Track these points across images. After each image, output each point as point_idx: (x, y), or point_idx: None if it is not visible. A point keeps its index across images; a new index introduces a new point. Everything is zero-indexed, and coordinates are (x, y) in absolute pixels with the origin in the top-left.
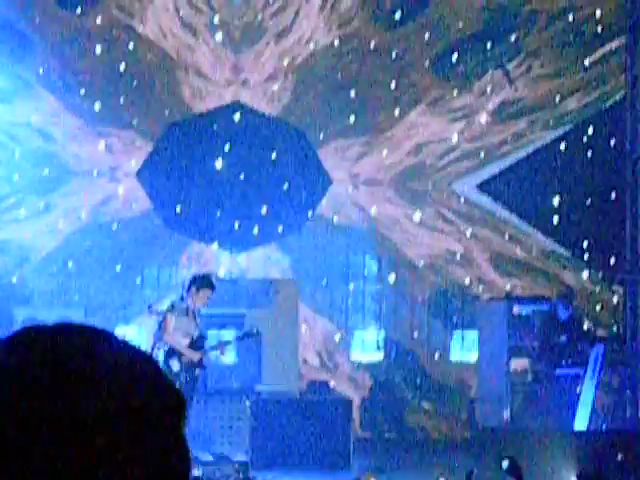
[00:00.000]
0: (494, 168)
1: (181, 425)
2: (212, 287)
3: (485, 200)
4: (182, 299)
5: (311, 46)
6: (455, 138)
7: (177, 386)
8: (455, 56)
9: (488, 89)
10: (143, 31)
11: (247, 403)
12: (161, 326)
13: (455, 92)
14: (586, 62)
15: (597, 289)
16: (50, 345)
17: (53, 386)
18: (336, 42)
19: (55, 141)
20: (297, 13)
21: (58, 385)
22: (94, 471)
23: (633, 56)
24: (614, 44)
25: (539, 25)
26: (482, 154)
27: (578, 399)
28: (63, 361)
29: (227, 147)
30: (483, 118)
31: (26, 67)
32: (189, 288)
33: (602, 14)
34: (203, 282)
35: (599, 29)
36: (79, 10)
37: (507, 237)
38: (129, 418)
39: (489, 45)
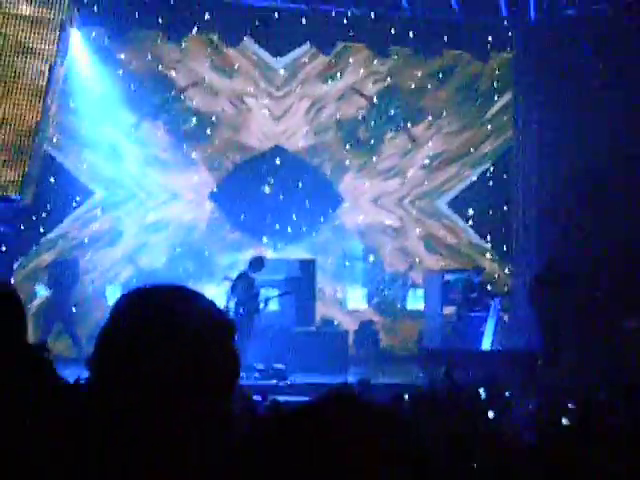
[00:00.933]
0: (445, 198)
1: (232, 339)
2: (263, 264)
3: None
4: (246, 272)
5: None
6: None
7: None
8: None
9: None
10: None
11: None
12: (233, 287)
13: (374, 158)
14: (488, 114)
15: (496, 265)
16: (156, 301)
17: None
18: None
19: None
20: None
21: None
22: (187, 366)
23: (518, 109)
24: (505, 98)
25: (437, 88)
26: (431, 192)
27: (484, 331)
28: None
29: (271, 178)
30: (412, 172)
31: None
32: (250, 264)
33: (492, 71)
34: (257, 260)
35: (494, 84)
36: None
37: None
38: (207, 335)
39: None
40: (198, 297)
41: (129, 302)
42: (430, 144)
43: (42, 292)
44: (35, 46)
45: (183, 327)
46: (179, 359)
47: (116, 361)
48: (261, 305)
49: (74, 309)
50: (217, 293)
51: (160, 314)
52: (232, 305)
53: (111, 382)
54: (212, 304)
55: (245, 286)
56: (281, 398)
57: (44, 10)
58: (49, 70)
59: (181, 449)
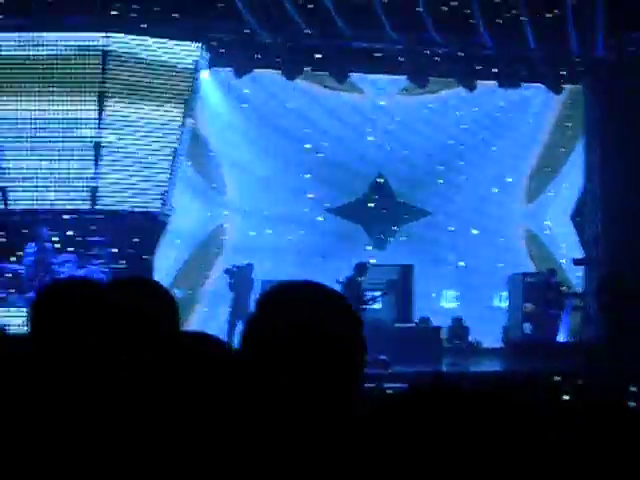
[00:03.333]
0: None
1: (360, 330)
2: (366, 268)
3: None
4: (353, 275)
5: None
6: None
7: None
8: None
9: None
10: None
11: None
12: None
13: None
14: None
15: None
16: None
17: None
18: None
19: None
20: None
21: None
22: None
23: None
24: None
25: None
26: None
27: (560, 326)
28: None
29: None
30: None
31: None
32: (355, 268)
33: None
34: (362, 265)
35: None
36: None
37: None
38: (340, 324)
39: None
40: (331, 293)
41: (272, 297)
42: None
43: (179, 295)
44: (173, 85)
45: (320, 318)
46: (317, 346)
47: (264, 347)
48: (367, 304)
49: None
50: None
51: (300, 307)
52: None
53: (260, 365)
54: (343, 299)
55: (349, 288)
56: (384, 385)
57: (180, 54)
58: (185, 104)
59: (320, 428)
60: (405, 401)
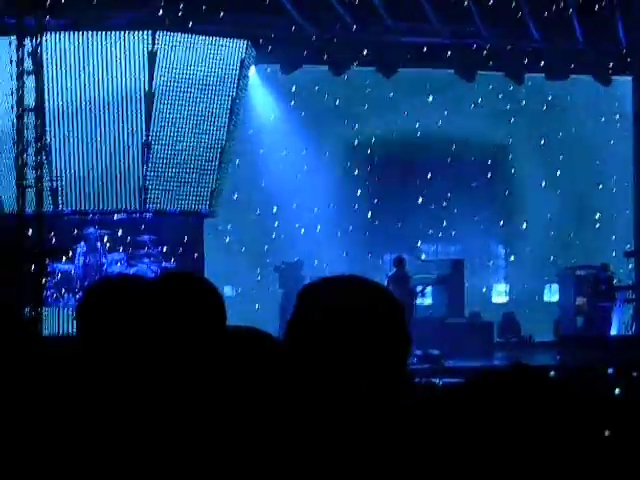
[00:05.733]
0: None
1: (403, 319)
2: (404, 260)
3: None
4: (395, 271)
5: None
6: None
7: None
8: None
9: None
10: None
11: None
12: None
13: None
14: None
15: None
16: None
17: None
18: None
19: None
20: None
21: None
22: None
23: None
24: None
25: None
26: None
27: (612, 319)
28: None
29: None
30: None
31: None
32: (394, 263)
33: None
34: (398, 259)
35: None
36: None
37: None
38: (382, 316)
39: None
40: (372, 284)
41: (314, 290)
42: None
43: (228, 293)
44: (220, 83)
45: (361, 310)
46: (360, 337)
47: (307, 337)
48: (417, 299)
49: None
50: None
51: (343, 299)
52: None
53: (304, 358)
54: (385, 290)
55: (397, 283)
56: (436, 380)
57: (227, 52)
58: (232, 102)
59: (361, 415)
60: (464, 392)
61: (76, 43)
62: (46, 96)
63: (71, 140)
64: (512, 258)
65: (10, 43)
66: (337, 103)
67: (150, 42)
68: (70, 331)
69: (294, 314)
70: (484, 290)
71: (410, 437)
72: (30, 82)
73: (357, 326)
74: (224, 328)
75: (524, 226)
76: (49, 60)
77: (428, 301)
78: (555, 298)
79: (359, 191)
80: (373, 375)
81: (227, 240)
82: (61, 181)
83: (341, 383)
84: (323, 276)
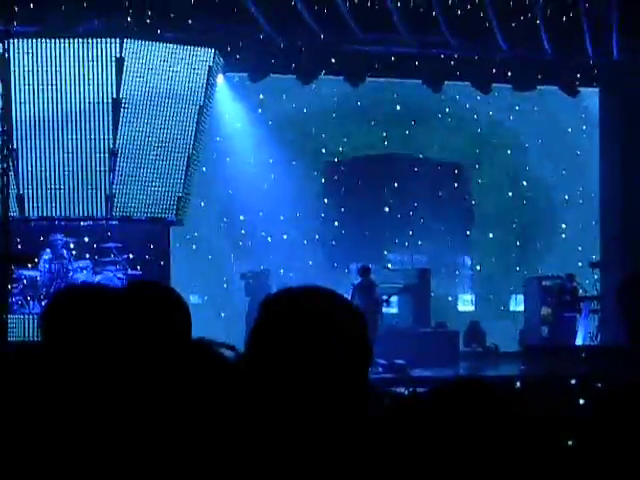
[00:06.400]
0: None
1: (365, 329)
2: (369, 269)
3: None
4: (361, 281)
5: None
6: None
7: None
8: None
9: None
10: None
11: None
12: (352, 296)
13: None
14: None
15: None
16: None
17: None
18: None
19: None
20: None
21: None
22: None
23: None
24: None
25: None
26: None
27: (577, 329)
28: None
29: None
30: None
31: None
32: (359, 272)
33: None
34: (364, 268)
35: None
36: None
37: None
38: (345, 326)
39: None
40: (333, 294)
41: (276, 300)
42: None
43: (195, 300)
44: (187, 91)
45: (322, 320)
46: (324, 346)
47: (270, 348)
48: (383, 308)
49: None
50: None
51: (305, 309)
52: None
53: (266, 367)
54: (346, 300)
55: (364, 293)
56: (401, 389)
57: (195, 60)
58: (199, 110)
59: (326, 424)
60: (423, 402)
61: (43, 50)
62: (12, 102)
63: (38, 146)
64: (478, 267)
65: None
66: (304, 112)
67: (118, 49)
68: (35, 339)
69: (256, 324)
70: (450, 299)
71: (371, 447)
72: None
73: (317, 336)
74: (189, 338)
75: (490, 236)
76: (16, 66)
77: (394, 310)
78: (521, 308)
79: (326, 200)
80: (333, 385)
81: (194, 248)
82: (28, 187)
83: (301, 394)
84: (288, 285)
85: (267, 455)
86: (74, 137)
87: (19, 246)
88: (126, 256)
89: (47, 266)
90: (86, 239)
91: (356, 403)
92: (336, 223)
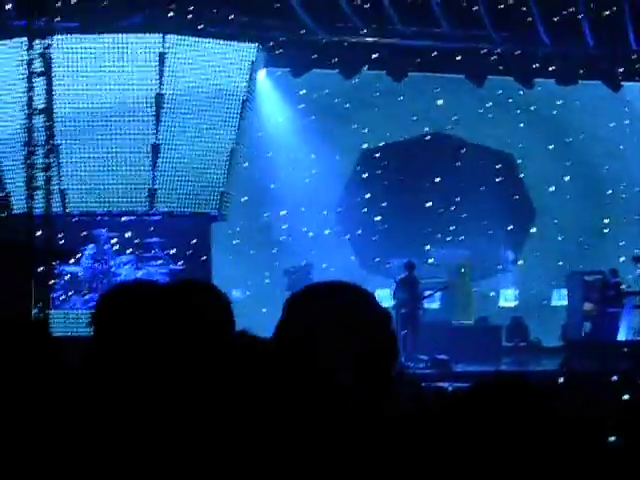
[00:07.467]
0: None
1: (390, 327)
2: (413, 265)
3: None
4: (405, 276)
5: None
6: None
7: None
8: None
9: None
10: None
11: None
12: (395, 292)
13: None
14: None
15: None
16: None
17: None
18: None
19: None
20: None
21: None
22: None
23: None
24: None
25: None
26: None
27: (620, 325)
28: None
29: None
30: None
31: None
32: (404, 267)
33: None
34: (408, 264)
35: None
36: None
37: None
38: (371, 321)
39: None
40: (361, 291)
41: (298, 298)
42: None
43: (237, 295)
44: (230, 86)
45: (347, 316)
46: (349, 342)
47: (291, 345)
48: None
49: None
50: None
51: (332, 304)
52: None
53: (287, 364)
54: (371, 296)
55: (407, 288)
56: (445, 384)
57: (237, 55)
58: (242, 105)
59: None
60: (468, 399)
61: (86, 45)
62: (56, 98)
63: (80, 141)
64: (520, 262)
65: (21, 45)
66: (347, 106)
67: (160, 44)
68: (77, 334)
69: (280, 321)
70: (492, 294)
71: (402, 442)
72: (40, 84)
73: (342, 332)
74: (231, 335)
75: (533, 230)
76: (59, 62)
77: (436, 305)
78: (563, 303)
79: (368, 195)
80: (358, 380)
81: (235, 243)
82: (70, 183)
83: (325, 389)
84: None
85: (293, 447)
86: (116, 132)
87: (61, 241)
88: (168, 251)
89: (90, 262)
90: (128, 234)
91: (372, 401)
92: (378, 218)
